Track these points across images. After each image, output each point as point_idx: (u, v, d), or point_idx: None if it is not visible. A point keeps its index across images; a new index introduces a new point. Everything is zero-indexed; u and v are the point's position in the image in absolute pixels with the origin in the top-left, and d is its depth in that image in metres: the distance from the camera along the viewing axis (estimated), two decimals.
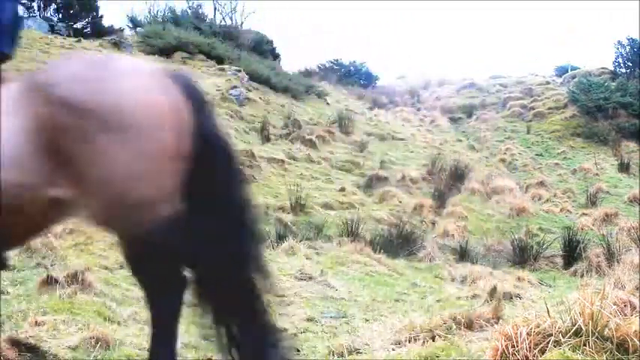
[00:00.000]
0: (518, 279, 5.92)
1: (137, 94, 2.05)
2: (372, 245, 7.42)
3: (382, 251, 7.18)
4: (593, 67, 29.94)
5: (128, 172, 2.01)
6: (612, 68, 27.76)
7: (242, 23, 27.19)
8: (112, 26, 22.61)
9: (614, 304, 2.82)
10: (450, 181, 13.00)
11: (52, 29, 19.22)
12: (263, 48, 25.31)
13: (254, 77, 19.61)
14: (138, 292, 4.48)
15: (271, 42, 26.87)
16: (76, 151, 1.96)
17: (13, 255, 4.77)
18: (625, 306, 3.08)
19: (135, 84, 2.09)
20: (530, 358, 2.48)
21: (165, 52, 20.16)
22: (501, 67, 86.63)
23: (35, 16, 20.15)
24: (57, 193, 1.99)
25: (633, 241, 8.20)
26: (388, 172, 13.55)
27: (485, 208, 11.68)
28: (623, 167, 17.23)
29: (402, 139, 18.88)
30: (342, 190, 11.69)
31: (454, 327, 3.15)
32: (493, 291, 4.68)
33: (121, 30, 23.07)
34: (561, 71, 32.87)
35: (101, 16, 22.38)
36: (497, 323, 3.14)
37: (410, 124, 23.03)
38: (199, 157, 2.15)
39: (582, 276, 6.76)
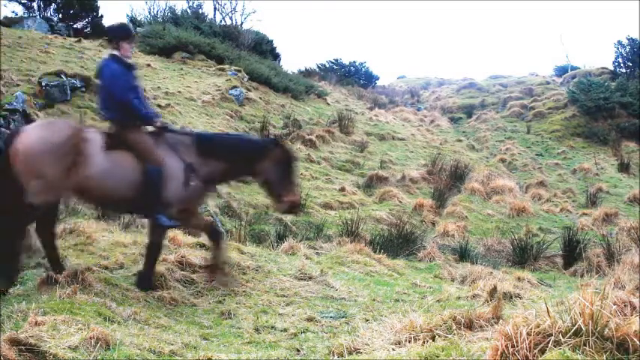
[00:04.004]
0: (518, 279, 5.91)
1: None
2: (372, 245, 7.41)
3: (382, 251, 7.17)
4: (593, 67, 29.98)
5: None
6: (612, 68, 27.77)
7: (242, 23, 27.20)
8: None
9: (614, 304, 2.82)
10: (450, 181, 13.00)
11: (52, 29, 19.20)
12: (263, 48, 25.29)
13: (254, 77, 19.61)
14: (138, 292, 4.50)
15: (271, 42, 26.86)
16: None
17: None
18: (625, 306, 3.08)
19: None
20: (530, 358, 2.47)
21: (165, 52, 20.16)
22: (501, 67, 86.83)
23: (35, 16, 20.14)
24: None
25: (633, 241, 8.21)
26: (388, 172, 13.54)
27: (485, 208, 11.68)
28: (623, 167, 17.24)
29: (402, 139, 18.88)
30: (342, 190, 11.69)
31: (454, 327, 3.14)
32: (493, 291, 4.67)
33: None
34: (561, 71, 32.91)
35: (101, 16, 22.38)
36: (497, 323, 3.14)
37: (410, 124, 23.02)
38: None
39: (582, 276, 6.75)
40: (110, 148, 4.46)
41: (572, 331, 2.48)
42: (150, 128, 4.72)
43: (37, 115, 10.74)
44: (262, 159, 4.82)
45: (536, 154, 20.11)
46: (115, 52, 4.66)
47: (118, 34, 4.71)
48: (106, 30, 5.79)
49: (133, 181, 4.43)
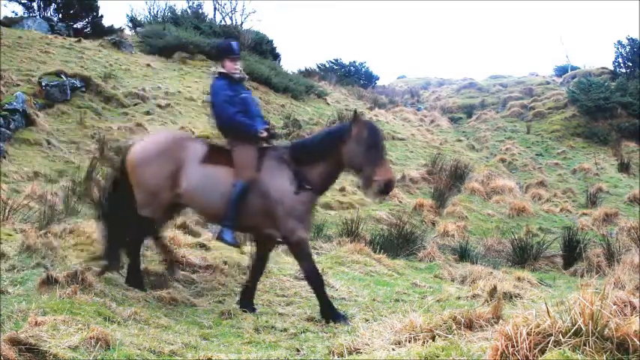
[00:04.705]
0: (518, 279, 5.90)
1: None
2: (372, 245, 7.42)
3: (382, 251, 7.17)
4: (593, 67, 29.96)
5: None
6: (612, 68, 27.73)
7: (242, 23, 27.16)
8: (112, 26, 22.57)
9: (614, 304, 2.81)
10: (450, 181, 12.98)
11: (52, 29, 19.19)
12: (263, 48, 25.25)
13: (254, 77, 19.58)
14: (138, 292, 4.50)
15: (271, 42, 26.82)
16: None
17: (13, 255, 4.77)
18: (625, 306, 3.08)
19: None
20: (530, 358, 2.47)
21: (165, 52, 20.15)
22: (501, 67, 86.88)
23: (35, 16, 20.13)
24: None
25: (633, 241, 8.21)
26: None
27: (485, 208, 11.68)
28: (623, 167, 17.23)
29: (402, 139, 18.86)
30: (342, 190, 11.68)
31: (454, 327, 3.13)
32: (493, 291, 4.68)
33: (121, 30, 23.04)
34: (561, 71, 32.87)
35: (101, 16, 22.34)
36: (497, 323, 3.13)
37: (410, 124, 23.01)
38: None
39: (582, 276, 6.76)
40: (209, 161, 4.51)
41: (572, 331, 2.47)
42: (263, 142, 4.66)
43: (37, 115, 10.74)
44: (345, 142, 4.39)
45: (536, 154, 20.09)
46: (221, 70, 4.87)
47: (220, 53, 5.07)
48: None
49: (224, 195, 4.41)
